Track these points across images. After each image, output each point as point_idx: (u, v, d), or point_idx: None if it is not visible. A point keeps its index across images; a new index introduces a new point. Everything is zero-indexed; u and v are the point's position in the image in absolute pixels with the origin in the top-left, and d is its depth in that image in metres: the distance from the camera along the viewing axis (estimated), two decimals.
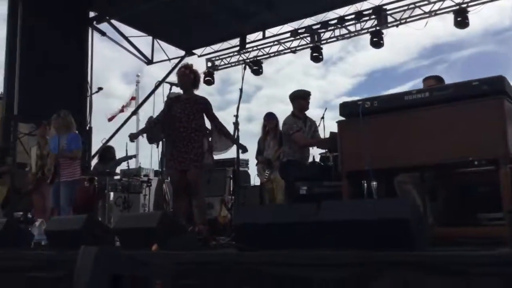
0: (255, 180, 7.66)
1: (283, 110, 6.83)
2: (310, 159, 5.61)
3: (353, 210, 2.86)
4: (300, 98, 5.40)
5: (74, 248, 3.73)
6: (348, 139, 3.74)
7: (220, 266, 2.99)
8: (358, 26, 10.55)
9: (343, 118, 3.83)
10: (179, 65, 5.32)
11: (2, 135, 8.97)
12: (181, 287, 2.89)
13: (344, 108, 3.78)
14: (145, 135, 5.15)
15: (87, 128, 9.97)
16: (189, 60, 12.14)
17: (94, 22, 11.01)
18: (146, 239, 3.53)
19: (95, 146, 10.19)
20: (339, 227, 2.83)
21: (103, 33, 11.24)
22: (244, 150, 4.82)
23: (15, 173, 7.72)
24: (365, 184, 4.60)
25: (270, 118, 6.66)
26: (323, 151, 7.11)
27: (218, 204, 8.27)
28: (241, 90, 4.34)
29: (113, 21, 11.39)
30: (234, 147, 5.02)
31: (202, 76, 9.90)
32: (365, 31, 10.44)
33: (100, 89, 6.09)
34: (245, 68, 4.56)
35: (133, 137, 5.04)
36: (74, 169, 6.12)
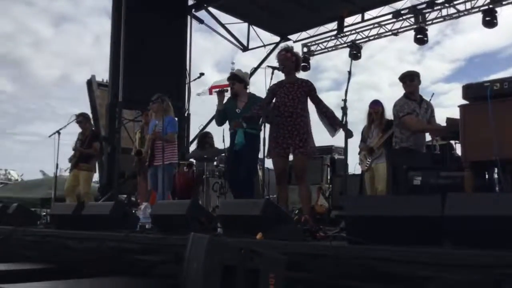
0: (355, 169, 7.33)
1: (376, 98, 6.46)
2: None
3: (486, 204, 2.52)
4: (407, 79, 5.04)
5: (179, 233, 3.75)
6: (473, 125, 3.37)
7: (331, 260, 2.80)
8: (469, 5, 9.75)
9: (466, 102, 3.45)
10: (279, 49, 5.12)
11: (108, 122, 9.41)
12: (290, 279, 2.74)
13: (469, 90, 3.40)
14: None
15: (186, 114, 10.20)
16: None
17: (193, 10, 11.17)
18: (250, 227, 3.42)
19: (193, 132, 10.40)
20: (468, 223, 2.52)
21: (201, 21, 11.39)
22: (351, 135, 4.54)
23: (119, 157, 8.07)
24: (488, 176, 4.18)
25: (375, 105, 6.32)
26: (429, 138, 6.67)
27: (315, 193, 8.06)
28: (349, 72, 4.08)
29: (210, 9, 11.50)
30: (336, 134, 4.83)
31: None
32: (476, 9, 9.63)
33: (201, 74, 6.10)
34: (351, 50, 4.25)
35: (237, 125, 5.00)
36: (170, 153, 6.17)
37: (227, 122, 5.69)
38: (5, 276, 4.01)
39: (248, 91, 5.75)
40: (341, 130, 4.49)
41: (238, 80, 5.58)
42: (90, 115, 9.85)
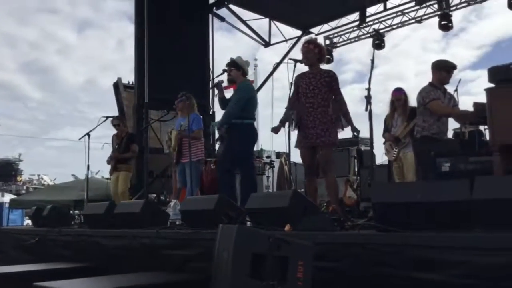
0: (382, 159, 7.26)
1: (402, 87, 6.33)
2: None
3: None
4: (443, 70, 4.95)
5: (208, 227, 3.80)
6: (501, 108, 3.32)
7: (361, 248, 2.80)
8: None
9: (492, 85, 3.39)
10: (303, 41, 5.10)
11: (136, 123, 9.55)
12: (321, 269, 2.75)
13: (495, 74, 3.35)
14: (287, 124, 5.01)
15: (210, 112, 10.28)
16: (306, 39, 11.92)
17: (214, 8, 11.23)
18: (278, 219, 3.45)
19: None
20: (498, 206, 2.49)
21: (222, 19, 11.44)
22: (358, 132, 4.74)
23: (147, 157, 8.19)
24: None
25: (398, 93, 6.22)
26: (457, 126, 6.53)
27: (342, 185, 8.01)
28: (372, 60, 4.05)
29: (231, 6, 11.54)
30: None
31: None
32: None
33: (225, 71, 6.13)
34: (374, 39, 4.22)
35: (275, 130, 4.96)
36: (197, 149, 6.24)
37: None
38: (42, 275, 4.15)
39: (246, 78, 5.79)
40: (345, 130, 4.74)
41: (236, 67, 5.59)
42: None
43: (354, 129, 4.80)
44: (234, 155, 5.30)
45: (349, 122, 4.79)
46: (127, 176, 7.65)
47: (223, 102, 5.67)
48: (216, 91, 5.93)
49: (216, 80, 5.96)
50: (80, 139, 7.42)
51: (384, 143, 6.37)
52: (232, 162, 5.32)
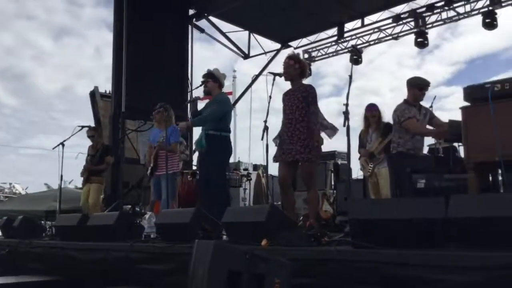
0: (358, 174, 7.32)
1: (376, 103, 6.36)
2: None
3: (490, 205, 2.52)
4: (416, 88, 4.99)
5: (183, 241, 3.75)
6: (476, 127, 3.37)
7: (337, 264, 2.80)
8: (468, 7, 9.78)
9: (468, 104, 3.45)
10: (285, 55, 5.09)
11: (112, 132, 9.43)
12: (298, 286, 2.73)
13: (470, 92, 3.41)
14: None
15: None
16: (285, 53, 12.03)
17: (194, 20, 11.23)
18: (255, 234, 3.42)
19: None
20: (472, 224, 2.52)
21: (202, 30, 11.45)
22: (319, 143, 4.67)
23: (123, 168, 8.09)
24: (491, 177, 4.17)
25: (372, 109, 6.23)
26: (432, 141, 6.62)
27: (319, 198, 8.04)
28: (350, 76, 4.07)
29: (211, 18, 11.56)
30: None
31: None
32: (476, 12, 9.65)
33: (203, 82, 6.09)
34: (352, 54, 4.26)
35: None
36: (173, 162, 6.19)
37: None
38: None
39: (222, 91, 5.77)
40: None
41: (213, 78, 5.60)
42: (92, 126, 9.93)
43: (317, 139, 4.67)
44: (212, 166, 5.31)
45: (315, 134, 4.66)
46: (99, 188, 7.53)
47: (194, 116, 5.71)
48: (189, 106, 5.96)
49: (194, 93, 5.96)
50: (54, 148, 7.28)
51: (359, 158, 6.40)
52: (210, 173, 5.33)
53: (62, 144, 7.26)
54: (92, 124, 9.30)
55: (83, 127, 7.61)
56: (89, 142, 7.75)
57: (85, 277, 4.50)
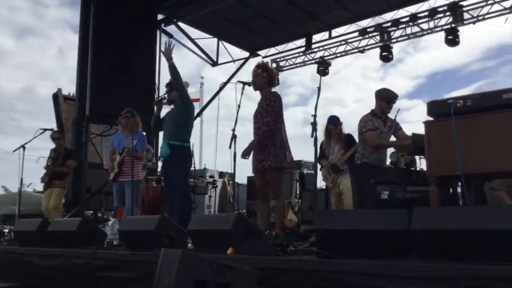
0: (320, 183, 7.40)
1: (340, 113, 6.47)
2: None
3: (452, 218, 2.59)
4: (383, 100, 5.05)
5: (148, 249, 3.70)
6: (437, 141, 3.47)
7: (302, 274, 2.82)
8: (432, 24, 10.09)
9: (431, 119, 3.55)
10: (256, 64, 5.08)
11: (75, 136, 9.24)
12: None
13: (433, 107, 3.51)
14: None
15: None
16: (253, 61, 12.12)
17: (162, 25, 11.17)
18: (220, 242, 3.41)
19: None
20: (434, 236, 2.59)
21: (170, 35, 11.39)
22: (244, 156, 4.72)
23: (85, 172, 7.93)
24: (452, 190, 4.30)
25: (333, 122, 6.29)
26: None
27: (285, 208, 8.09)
28: (319, 88, 4.13)
29: (180, 24, 11.53)
30: None
31: None
32: (439, 28, 9.97)
33: (169, 89, 6.06)
34: (319, 66, 4.32)
35: (245, 154, 4.77)
36: (137, 169, 6.13)
37: None
38: None
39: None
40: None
41: (174, 88, 5.61)
42: (56, 129, 9.70)
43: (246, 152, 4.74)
44: (176, 175, 5.33)
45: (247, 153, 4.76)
46: (61, 192, 7.36)
47: (156, 121, 5.70)
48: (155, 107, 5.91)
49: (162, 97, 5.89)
50: (14, 151, 7.08)
51: (320, 169, 6.43)
52: (174, 182, 5.32)
53: (23, 147, 7.07)
54: (54, 127, 9.10)
55: (45, 130, 7.42)
56: (50, 146, 7.57)
57: (44, 284, 4.38)
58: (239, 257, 3.13)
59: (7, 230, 7.78)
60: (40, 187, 7.97)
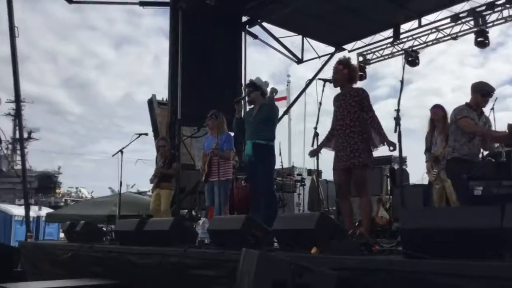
0: (422, 178, 7.08)
1: (437, 103, 6.07)
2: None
3: None
4: (478, 93, 4.84)
5: (234, 248, 3.79)
6: None
7: (386, 274, 2.74)
8: None
9: None
10: (337, 61, 5.01)
11: (169, 139, 9.69)
12: None
13: None
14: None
15: None
16: (339, 56, 11.93)
17: (247, 26, 11.35)
18: (305, 241, 3.41)
19: None
20: None
21: (255, 36, 11.56)
22: (394, 147, 4.36)
23: (180, 174, 8.29)
24: None
25: (436, 109, 6.03)
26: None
27: (375, 204, 7.87)
28: (401, 81, 3.98)
29: (264, 24, 11.65)
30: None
31: None
32: None
33: (250, 91, 6.16)
34: (406, 58, 4.16)
35: (313, 154, 4.84)
36: (226, 169, 6.28)
37: None
38: None
39: (266, 98, 5.78)
40: (380, 147, 4.55)
41: (254, 87, 5.66)
42: (152, 133, 10.26)
43: (390, 144, 4.48)
44: (262, 175, 5.41)
45: (383, 138, 4.56)
46: (169, 195, 7.71)
47: (238, 123, 5.82)
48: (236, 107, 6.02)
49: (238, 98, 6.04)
50: (113, 155, 7.58)
51: (426, 162, 6.19)
52: (259, 182, 5.40)
53: (121, 151, 7.54)
54: (149, 131, 9.59)
55: (140, 134, 7.87)
56: (145, 147, 8.01)
57: (141, 281, 4.64)
58: (322, 256, 3.10)
59: (110, 230, 8.32)
60: (143, 187, 8.46)
